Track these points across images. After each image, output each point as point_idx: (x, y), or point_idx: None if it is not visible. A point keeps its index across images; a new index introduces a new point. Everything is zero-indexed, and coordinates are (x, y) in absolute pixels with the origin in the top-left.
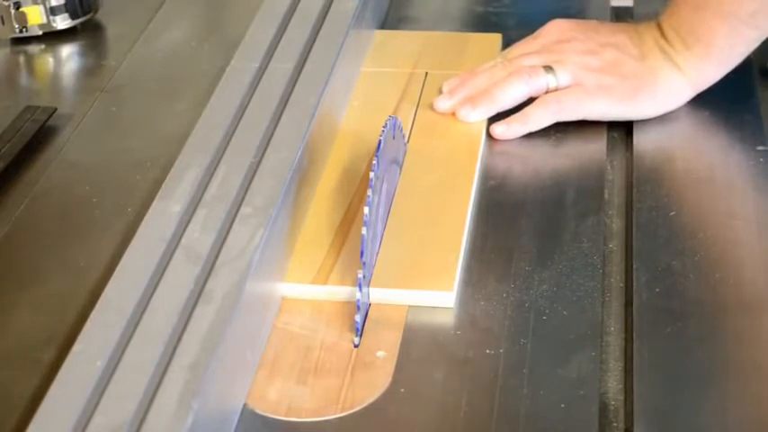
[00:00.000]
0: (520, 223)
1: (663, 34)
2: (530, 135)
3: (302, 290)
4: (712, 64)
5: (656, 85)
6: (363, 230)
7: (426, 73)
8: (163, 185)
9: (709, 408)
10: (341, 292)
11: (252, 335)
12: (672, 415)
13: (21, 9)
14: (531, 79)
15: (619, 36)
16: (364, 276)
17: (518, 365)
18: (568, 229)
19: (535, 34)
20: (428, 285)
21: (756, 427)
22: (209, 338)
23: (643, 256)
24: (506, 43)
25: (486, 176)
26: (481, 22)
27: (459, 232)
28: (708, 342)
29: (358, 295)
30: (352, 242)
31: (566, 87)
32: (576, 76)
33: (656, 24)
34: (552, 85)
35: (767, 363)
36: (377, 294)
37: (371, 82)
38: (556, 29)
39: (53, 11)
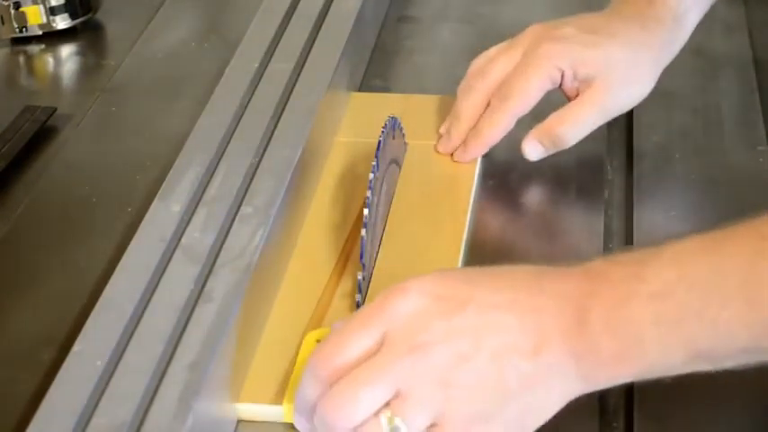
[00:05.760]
0: (520, 223)
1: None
2: None
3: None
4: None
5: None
6: (363, 232)
7: None
8: (163, 185)
9: (710, 408)
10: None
11: (252, 335)
12: (672, 415)
13: (21, 9)
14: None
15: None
16: (363, 278)
17: None
18: (568, 229)
19: (511, 42)
20: None
21: (757, 428)
22: (209, 338)
23: None
24: None
25: (486, 176)
26: (482, 22)
27: None
28: None
29: (358, 297)
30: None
31: None
32: None
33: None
34: None
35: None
36: None
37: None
38: (531, 34)
39: (53, 11)
